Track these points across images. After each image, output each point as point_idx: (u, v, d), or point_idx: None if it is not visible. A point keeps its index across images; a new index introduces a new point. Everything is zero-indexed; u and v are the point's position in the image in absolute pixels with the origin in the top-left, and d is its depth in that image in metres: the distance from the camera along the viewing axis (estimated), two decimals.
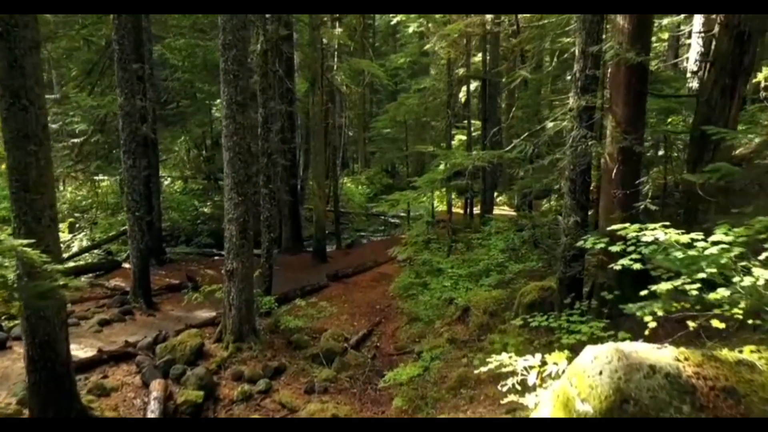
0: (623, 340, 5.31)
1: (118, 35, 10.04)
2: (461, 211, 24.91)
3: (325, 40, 23.40)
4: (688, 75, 13.65)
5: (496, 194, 25.39)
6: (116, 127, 14.97)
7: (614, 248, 4.32)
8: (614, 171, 6.59)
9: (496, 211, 24.35)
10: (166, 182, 27.15)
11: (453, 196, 27.87)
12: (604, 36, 7.00)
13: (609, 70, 6.66)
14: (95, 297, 11.49)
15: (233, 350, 8.95)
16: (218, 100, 26.91)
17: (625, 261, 4.13)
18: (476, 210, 24.08)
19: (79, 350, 8.71)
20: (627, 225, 3.92)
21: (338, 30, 25.34)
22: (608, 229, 4.06)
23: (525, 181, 13.28)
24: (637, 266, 4.08)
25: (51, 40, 13.98)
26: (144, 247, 10.80)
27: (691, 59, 14.22)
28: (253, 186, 13.95)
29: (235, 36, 8.17)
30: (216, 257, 18.77)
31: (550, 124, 6.68)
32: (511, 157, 6.90)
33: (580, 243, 4.78)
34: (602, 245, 4.43)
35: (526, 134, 6.84)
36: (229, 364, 8.70)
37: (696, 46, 14.27)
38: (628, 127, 6.48)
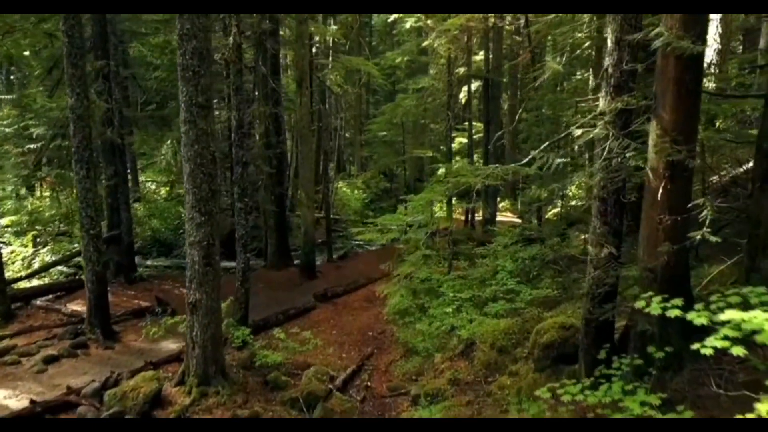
0: None
1: (66, 26, 8.66)
2: (462, 218, 23.60)
3: (317, 38, 22.07)
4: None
5: (498, 199, 24.09)
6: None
7: (697, 319, 2.96)
8: (660, 191, 5.23)
9: (499, 217, 23.01)
10: (152, 186, 25.87)
11: (453, 201, 26.60)
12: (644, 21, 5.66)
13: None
14: (48, 325, 10.11)
15: (197, 396, 7.59)
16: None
17: (716, 341, 2.77)
18: (478, 216, 22.79)
19: (12, 399, 7.36)
20: (755, 316, 2.55)
21: (333, 27, 24.01)
22: (725, 317, 2.69)
23: (533, 193, 11.96)
24: (738, 351, 2.73)
25: (10, 34, 12.60)
26: (101, 269, 9.44)
27: (707, 57, 12.93)
28: (231, 196, 12.62)
29: (194, 24, 6.81)
30: None
31: (577, 132, 5.35)
32: (530, 173, 5.58)
33: (640, 303, 3.42)
34: (677, 312, 3.06)
35: (546, 144, 5.52)
36: (191, 414, 7.35)
37: (713, 43, 12.97)
38: (678, 136, 5.12)
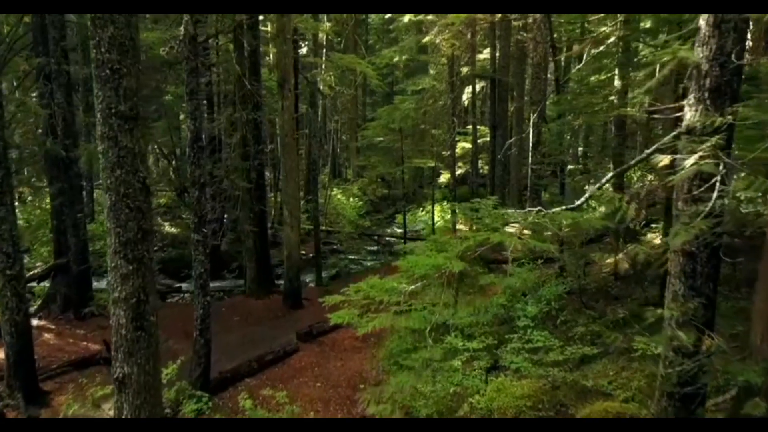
0: None
1: None
2: (465, 228, 21.75)
3: (307, 34, 20.21)
4: None
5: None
6: (21, 138, 11.80)
7: None
8: None
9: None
10: None
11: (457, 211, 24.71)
12: None
13: None
14: None
15: None
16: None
17: None
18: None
19: None
20: None
21: (327, 24, 22.19)
22: None
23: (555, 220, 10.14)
24: None
25: None
26: (22, 318, 7.55)
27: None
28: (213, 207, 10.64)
29: None
30: (171, 296, 15.51)
31: (663, 160, 3.49)
32: (598, 225, 3.73)
33: None
34: None
35: (609, 176, 3.69)
36: None
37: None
38: None
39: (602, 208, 16.08)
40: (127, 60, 5.18)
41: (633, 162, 4.01)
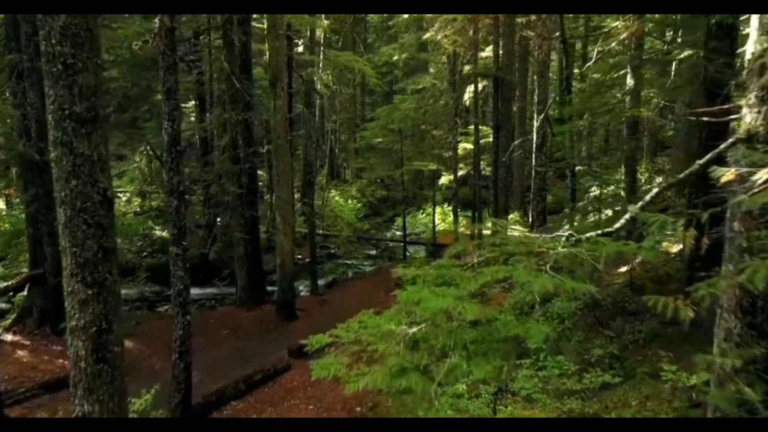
0: None
1: None
2: (467, 231, 21.07)
3: (304, 31, 19.51)
4: None
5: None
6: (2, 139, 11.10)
7: None
8: None
9: (508, 231, 20.52)
10: (123, 198, 23.38)
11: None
12: None
13: None
14: None
15: None
16: (190, 103, 23.16)
17: None
18: (486, 230, 20.29)
19: None
20: None
21: (325, 22, 21.51)
22: None
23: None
24: None
25: None
26: None
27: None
28: (205, 213, 9.89)
29: None
30: (160, 305, 14.83)
31: (727, 174, 2.80)
32: (645, 254, 2.96)
33: None
34: None
35: (653, 192, 2.99)
36: None
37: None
38: None
39: (610, 221, 15.37)
40: (83, 53, 4.47)
41: (682, 175, 3.32)
